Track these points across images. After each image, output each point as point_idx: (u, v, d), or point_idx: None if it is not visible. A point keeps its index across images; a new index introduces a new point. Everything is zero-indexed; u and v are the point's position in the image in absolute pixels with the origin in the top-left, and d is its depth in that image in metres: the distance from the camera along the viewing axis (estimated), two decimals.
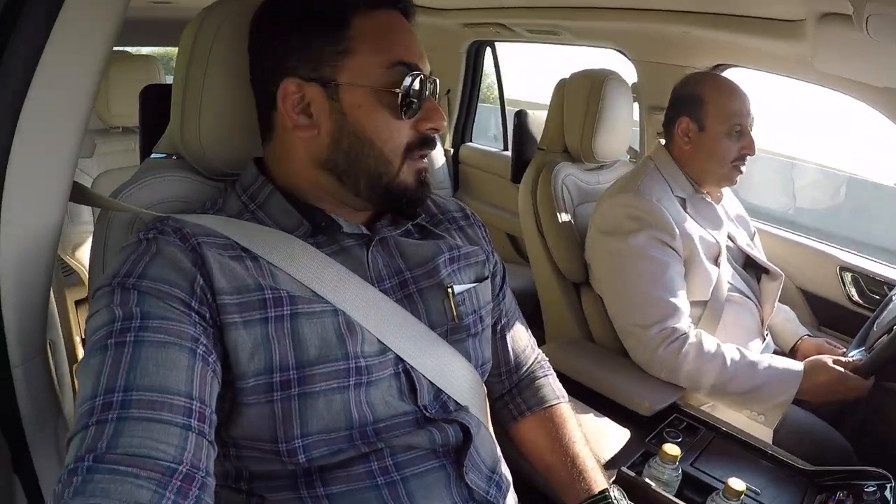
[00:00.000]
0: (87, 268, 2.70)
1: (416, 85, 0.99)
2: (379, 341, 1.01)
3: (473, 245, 1.23)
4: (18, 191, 0.97)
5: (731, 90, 1.98)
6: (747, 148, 1.97)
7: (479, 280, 1.19)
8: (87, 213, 2.95)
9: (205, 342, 0.86)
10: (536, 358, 1.40)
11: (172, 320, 0.85)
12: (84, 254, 2.83)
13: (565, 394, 1.35)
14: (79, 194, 1.08)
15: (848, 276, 2.44)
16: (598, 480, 1.17)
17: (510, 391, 1.35)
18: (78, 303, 2.89)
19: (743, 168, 2.00)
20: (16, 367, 1.06)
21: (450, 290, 1.11)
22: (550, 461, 1.24)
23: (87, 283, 2.74)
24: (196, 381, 0.82)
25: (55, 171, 1.00)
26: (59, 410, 1.17)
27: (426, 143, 1.04)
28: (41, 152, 0.98)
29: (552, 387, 1.36)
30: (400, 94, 0.98)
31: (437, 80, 1.07)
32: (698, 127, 1.98)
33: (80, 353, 2.69)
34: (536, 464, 1.27)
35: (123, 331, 0.82)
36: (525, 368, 1.36)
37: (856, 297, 2.41)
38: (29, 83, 0.92)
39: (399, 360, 1.03)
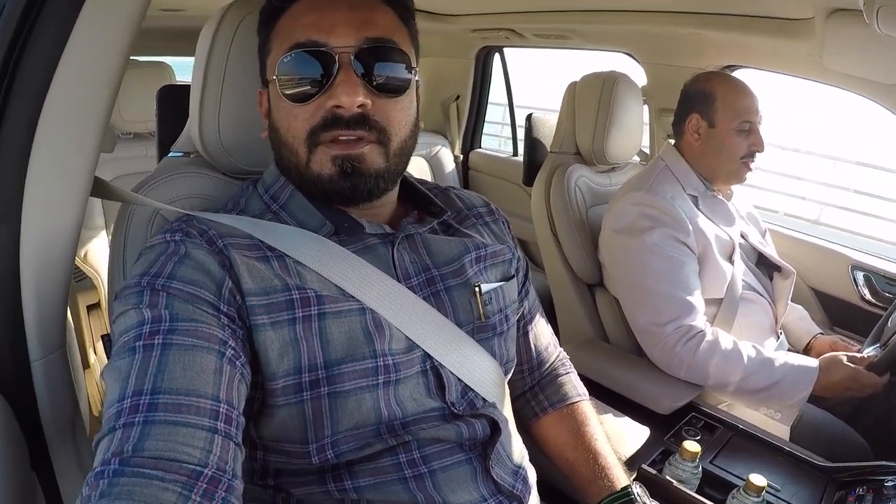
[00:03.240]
0: (99, 272, 2.73)
1: (297, 61, 0.96)
2: (407, 338, 1.00)
3: (499, 240, 1.23)
4: (39, 187, 0.97)
5: (741, 88, 1.99)
6: (756, 145, 1.97)
7: (506, 279, 1.19)
8: (98, 217, 2.95)
9: (233, 345, 0.86)
10: (558, 356, 1.40)
11: (201, 323, 0.85)
12: (95, 258, 2.84)
13: (586, 392, 1.35)
14: (99, 189, 1.08)
15: (860, 275, 2.43)
16: (621, 477, 1.17)
17: (532, 388, 1.34)
18: (90, 308, 2.90)
19: (752, 165, 2.00)
20: (35, 361, 1.06)
21: (477, 288, 1.11)
22: (572, 458, 1.23)
23: (98, 287, 2.75)
24: (223, 383, 0.82)
25: (76, 168, 1.00)
26: (76, 408, 1.16)
27: (333, 123, 0.95)
28: (62, 151, 0.97)
29: (574, 384, 1.36)
30: (285, 79, 0.96)
31: (346, 51, 0.96)
32: (708, 124, 1.99)
33: (92, 357, 2.70)
34: (558, 460, 1.26)
35: (152, 333, 0.82)
36: (547, 366, 1.36)
37: (868, 297, 2.41)
38: (49, 82, 0.92)
39: (427, 357, 1.02)
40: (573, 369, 1.40)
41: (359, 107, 0.95)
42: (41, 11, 0.90)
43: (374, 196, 1.02)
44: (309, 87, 0.96)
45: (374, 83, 0.97)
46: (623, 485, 1.14)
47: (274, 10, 1.02)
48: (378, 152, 0.98)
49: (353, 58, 0.95)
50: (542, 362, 1.36)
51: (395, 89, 1.00)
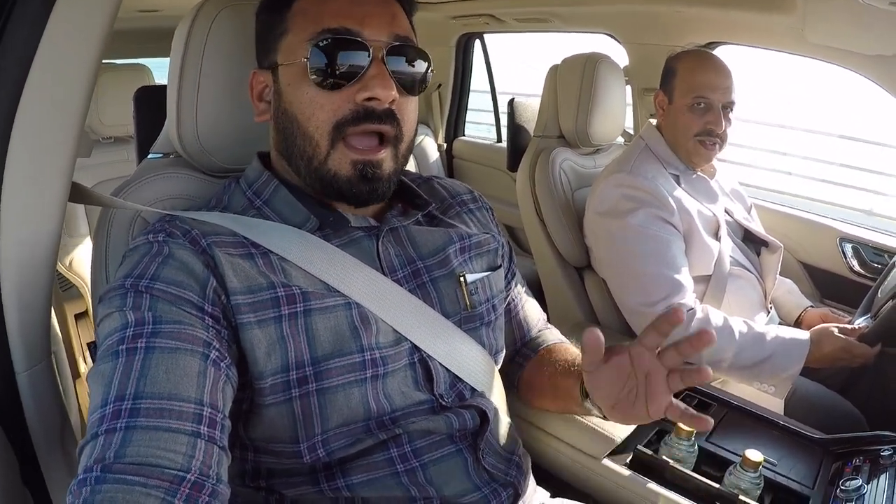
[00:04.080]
0: (85, 280, 2.71)
1: (331, 49, 0.94)
2: (394, 331, 1.00)
3: (484, 228, 1.23)
4: (17, 194, 0.96)
5: (704, 63, 1.97)
6: (712, 123, 1.93)
7: (492, 269, 1.19)
8: (83, 226, 2.94)
9: (217, 346, 0.86)
10: (543, 324, 1.41)
11: (185, 325, 0.84)
12: (82, 266, 2.82)
13: (565, 340, 1.36)
14: (79, 194, 1.07)
15: (848, 247, 2.44)
16: None
17: (518, 350, 1.35)
18: (78, 316, 2.88)
19: (709, 144, 1.96)
20: (20, 373, 1.05)
21: (462, 278, 1.11)
22: (554, 378, 1.21)
23: (86, 296, 2.73)
24: (207, 386, 0.82)
25: (53, 173, 0.99)
26: (65, 419, 1.16)
27: (364, 116, 0.96)
28: (38, 156, 0.97)
29: (554, 334, 1.38)
30: (316, 63, 0.95)
31: (398, 44, 0.98)
32: (668, 99, 2.00)
33: (82, 366, 2.68)
34: (544, 394, 1.27)
35: (135, 337, 0.82)
36: (534, 332, 1.37)
37: (857, 268, 2.42)
38: (22, 86, 0.91)
39: (414, 349, 1.02)
40: (554, 329, 1.41)
41: (390, 102, 0.96)
42: (10, 16, 0.88)
43: (386, 197, 1.05)
44: (340, 76, 0.95)
45: (400, 80, 0.98)
46: None
47: None
48: (391, 156, 1.01)
49: (384, 52, 0.96)
50: (530, 336, 1.37)
51: (414, 88, 1.02)
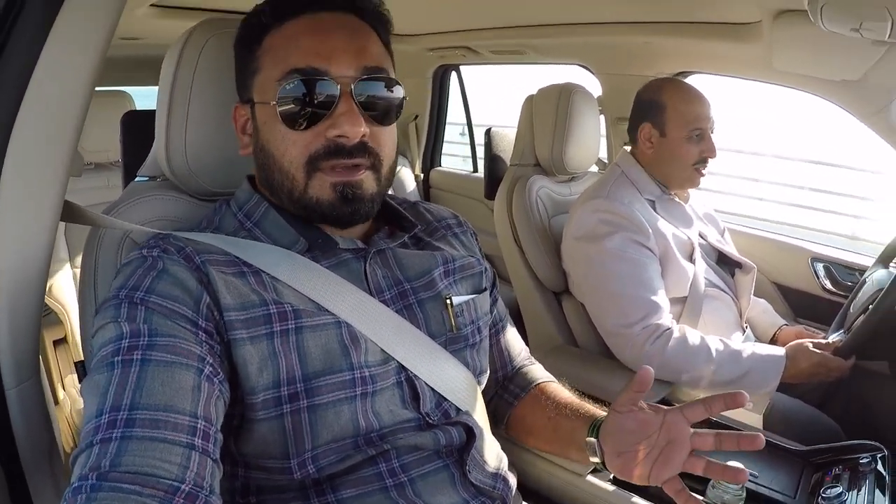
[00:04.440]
0: (64, 306, 2.69)
1: (300, 89, 0.95)
2: (382, 351, 1.01)
3: (468, 251, 1.25)
4: (10, 212, 0.96)
5: (691, 95, 2.03)
6: (707, 151, 2.01)
7: (477, 292, 1.20)
8: (63, 250, 2.89)
9: (211, 361, 0.86)
10: (526, 356, 1.41)
11: (179, 339, 0.85)
12: (61, 292, 2.79)
13: (554, 379, 1.36)
14: (70, 213, 1.08)
15: (820, 267, 2.49)
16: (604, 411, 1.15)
17: (502, 384, 1.35)
18: (56, 343, 2.85)
19: (704, 171, 2.04)
20: (10, 389, 1.03)
21: (448, 301, 1.12)
22: (554, 419, 1.21)
23: (65, 321, 2.70)
24: (201, 400, 0.82)
25: (46, 192, 0.99)
26: (53, 437, 1.15)
27: (335, 152, 0.97)
28: (32, 177, 0.97)
29: (541, 370, 1.37)
30: (285, 104, 0.96)
31: (350, 83, 0.97)
32: (660, 133, 2.03)
33: (61, 393, 2.65)
34: (540, 435, 1.26)
35: (131, 349, 0.82)
36: (516, 362, 1.37)
37: (829, 286, 2.47)
38: (20, 104, 0.92)
39: (401, 368, 1.03)
40: (538, 364, 1.41)
41: (360, 136, 0.96)
42: (10, 35, 0.89)
43: (369, 218, 1.06)
44: (310, 114, 0.96)
45: (372, 113, 0.99)
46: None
47: (262, 27, 1.02)
48: (372, 178, 1.01)
49: (353, 87, 0.97)
50: (513, 363, 1.37)
51: (389, 117, 1.02)
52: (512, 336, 1.38)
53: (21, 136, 0.93)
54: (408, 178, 3.74)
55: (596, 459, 1.07)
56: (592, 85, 2.66)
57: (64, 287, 2.77)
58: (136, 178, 1.25)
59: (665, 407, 1.00)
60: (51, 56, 0.91)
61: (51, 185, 1.00)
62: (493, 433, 1.20)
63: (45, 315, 2.73)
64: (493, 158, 3.04)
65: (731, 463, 1.21)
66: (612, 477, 1.32)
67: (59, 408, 2.62)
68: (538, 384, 1.32)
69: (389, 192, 1.14)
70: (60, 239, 2.88)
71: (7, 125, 0.92)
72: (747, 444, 0.92)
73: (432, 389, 1.06)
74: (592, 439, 1.07)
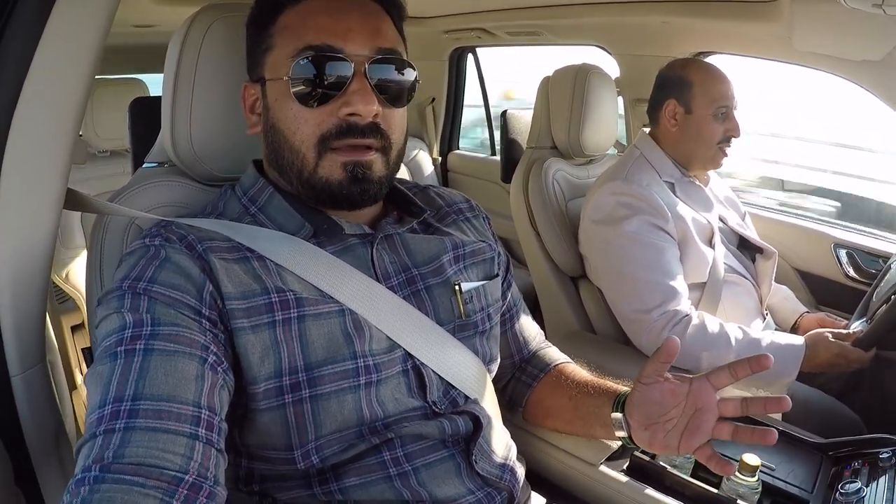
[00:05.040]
0: (82, 292, 2.71)
1: (313, 66, 0.95)
2: (388, 338, 1.00)
3: (481, 236, 1.23)
4: (11, 199, 0.97)
5: (718, 73, 2.00)
6: (732, 130, 1.98)
7: (488, 278, 1.19)
8: (79, 237, 2.93)
9: (214, 350, 0.86)
10: (542, 339, 1.41)
11: (183, 328, 0.85)
12: (78, 278, 2.82)
13: (570, 360, 1.36)
14: (74, 201, 1.08)
15: (843, 253, 2.44)
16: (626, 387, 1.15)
17: (519, 367, 1.35)
18: (74, 328, 2.87)
19: (728, 150, 2.01)
20: (15, 376, 1.05)
21: (457, 287, 1.11)
22: (576, 398, 1.22)
23: (82, 307, 2.73)
24: (205, 389, 0.82)
25: (48, 179, 1.00)
26: (60, 423, 1.16)
27: (347, 130, 0.96)
28: (33, 163, 0.98)
29: (558, 352, 1.37)
30: (298, 81, 0.95)
31: (365, 61, 0.96)
32: (685, 110, 2.00)
33: (79, 377, 2.67)
34: (561, 415, 1.26)
35: (134, 338, 0.82)
36: (532, 345, 1.37)
37: (852, 273, 2.42)
38: (19, 92, 0.92)
39: (408, 356, 1.02)
40: (554, 347, 1.41)
41: (373, 116, 0.96)
42: (8, 23, 0.89)
43: (377, 200, 1.04)
44: (322, 92, 0.95)
45: (384, 93, 0.98)
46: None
47: (277, 5, 1.01)
48: (382, 161, 1.00)
49: (367, 66, 0.96)
50: (529, 347, 1.36)
51: (401, 99, 1.02)
52: (526, 320, 1.37)
53: (21, 126, 0.94)
54: (425, 161, 3.73)
55: (622, 434, 1.09)
56: (610, 66, 2.62)
57: (81, 273, 2.81)
58: (144, 165, 1.25)
59: (690, 376, 1.00)
60: (49, 44, 0.92)
61: (52, 174, 1.01)
62: (506, 420, 1.20)
63: (63, 301, 2.77)
64: (509, 141, 3.02)
65: (748, 454, 1.20)
66: (624, 467, 1.30)
67: (76, 393, 2.64)
68: (557, 365, 1.32)
69: (403, 177, 1.12)
70: (76, 226, 2.91)
71: (6, 114, 0.92)
72: (774, 405, 0.94)
73: (440, 377, 1.05)
74: (618, 414, 1.09)
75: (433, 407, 1.03)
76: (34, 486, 1.08)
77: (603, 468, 1.30)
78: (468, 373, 1.09)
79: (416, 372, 1.03)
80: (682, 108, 2.01)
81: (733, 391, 1.78)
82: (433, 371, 1.04)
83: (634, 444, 1.08)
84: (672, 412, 1.00)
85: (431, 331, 1.06)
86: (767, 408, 0.95)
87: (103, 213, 1.11)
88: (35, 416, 1.08)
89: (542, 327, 1.43)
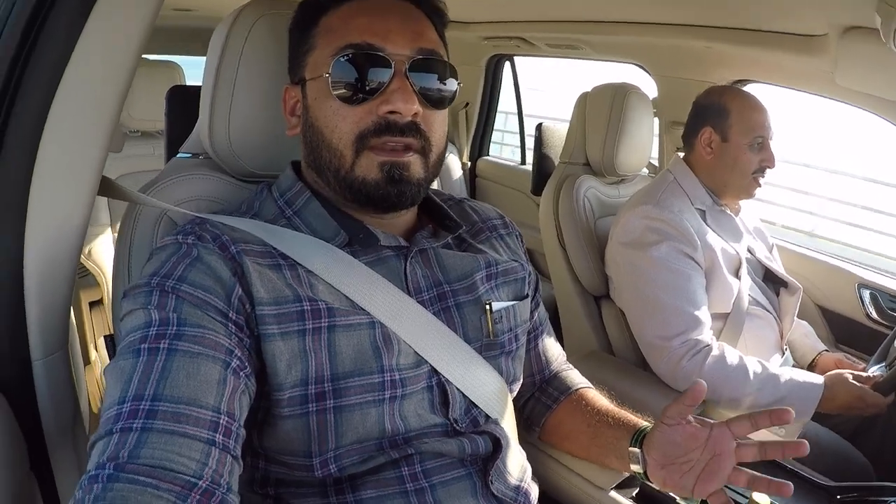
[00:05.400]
0: (103, 269, 2.73)
1: (353, 64, 0.95)
2: (415, 353, 1.00)
3: (513, 254, 1.23)
4: (46, 185, 0.96)
5: (756, 103, 1.99)
6: (767, 161, 1.97)
7: (518, 298, 1.18)
8: (104, 215, 2.95)
9: (239, 355, 0.85)
10: (563, 360, 1.40)
11: (208, 330, 0.84)
12: (100, 255, 2.83)
13: (591, 385, 1.36)
14: (107, 188, 1.08)
15: (867, 294, 2.41)
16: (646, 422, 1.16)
17: (539, 387, 1.34)
18: (92, 304, 2.89)
19: (762, 181, 2.00)
20: (36, 361, 1.05)
21: (488, 306, 1.10)
22: (595, 426, 1.22)
23: (102, 284, 2.75)
24: (226, 395, 0.81)
25: (84, 167, 0.99)
26: (77, 409, 1.16)
27: (386, 128, 0.96)
28: (70, 149, 0.97)
29: (579, 376, 1.37)
30: (338, 78, 0.96)
31: (412, 57, 0.97)
32: (721, 138, 1.98)
33: (93, 354, 2.69)
34: (578, 440, 1.26)
35: (158, 336, 0.82)
36: (554, 366, 1.36)
37: (874, 315, 2.39)
38: (59, 79, 0.91)
39: (433, 372, 1.02)
40: (575, 370, 1.40)
41: (412, 115, 0.96)
42: (52, 8, 0.89)
43: (414, 203, 1.05)
44: (362, 90, 0.95)
45: (424, 94, 0.98)
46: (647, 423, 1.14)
47: (319, 7, 1.02)
48: (420, 163, 1.00)
49: (407, 66, 0.96)
50: (550, 370, 1.36)
51: (442, 102, 1.02)
52: (550, 341, 1.37)
53: (60, 112, 0.93)
54: (455, 165, 3.72)
55: (637, 468, 1.09)
56: (647, 85, 2.61)
57: (103, 250, 2.82)
58: (179, 154, 1.25)
59: (711, 420, 1.00)
60: (94, 29, 0.91)
61: (89, 163, 1.00)
62: (521, 439, 1.19)
63: (83, 276, 2.78)
64: (542, 154, 3.01)
65: (757, 493, 1.19)
66: (633, 495, 1.29)
67: (89, 368, 2.66)
68: (578, 389, 1.32)
69: (435, 187, 1.12)
70: (101, 203, 2.93)
71: (46, 99, 0.92)
72: (792, 451, 0.94)
73: (463, 395, 1.05)
74: (636, 449, 1.09)
75: (454, 425, 1.02)
76: (48, 471, 1.08)
77: (613, 494, 1.30)
78: (491, 393, 1.08)
79: (440, 389, 1.02)
80: (718, 136, 1.99)
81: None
82: (457, 389, 1.03)
83: (648, 480, 1.08)
84: (690, 454, 1.00)
85: (459, 348, 1.05)
86: (786, 453, 0.95)
87: (137, 202, 1.11)
88: (53, 402, 1.07)
89: (561, 343, 1.42)
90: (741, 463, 0.99)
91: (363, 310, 0.97)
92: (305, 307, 0.93)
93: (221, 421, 0.79)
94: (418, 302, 1.04)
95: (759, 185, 2.01)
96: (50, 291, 1.03)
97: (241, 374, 0.85)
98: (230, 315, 0.87)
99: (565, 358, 1.41)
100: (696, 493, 0.98)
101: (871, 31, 1.48)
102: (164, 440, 0.74)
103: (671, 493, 1.28)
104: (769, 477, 0.95)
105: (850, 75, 1.97)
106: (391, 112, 0.95)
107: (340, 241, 1.02)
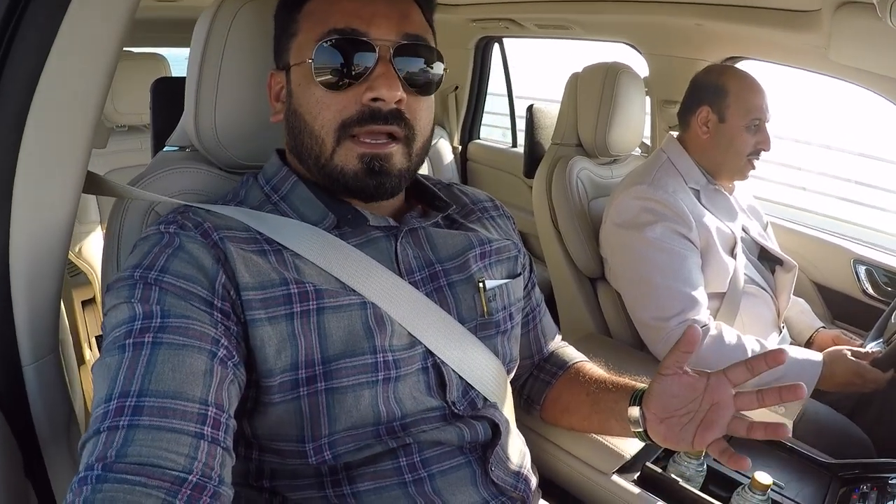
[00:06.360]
0: (94, 267, 2.71)
1: (337, 48, 0.94)
2: (409, 334, 0.99)
3: (505, 235, 1.22)
4: (30, 183, 0.94)
5: (754, 85, 1.97)
6: (763, 143, 1.96)
7: (512, 276, 1.17)
8: (93, 212, 2.94)
9: (225, 343, 0.84)
10: (559, 339, 1.41)
11: (193, 320, 0.83)
12: (90, 253, 2.82)
13: (587, 359, 1.36)
14: (93, 185, 1.06)
15: (862, 270, 2.42)
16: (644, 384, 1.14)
17: (537, 365, 1.34)
18: (85, 303, 2.88)
19: (756, 163, 2.00)
20: (27, 366, 1.03)
21: (481, 284, 1.09)
22: (594, 394, 1.21)
23: (93, 283, 2.74)
24: (213, 385, 0.80)
25: (67, 163, 0.98)
26: (71, 412, 1.15)
27: (372, 117, 0.94)
28: (52, 145, 0.95)
29: (575, 351, 1.37)
30: (322, 64, 0.95)
31: (390, 43, 0.95)
32: (718, 118, 1.97)
33: (88, 354, 2.68)
34: (578, 410, 1.25)
35: (142, 331, 0.81)
36: (551, 346, 1.37)
37: (870, 291, 2.40)
38: (39, 73, 0.89)
39: (428, 354, 1.01)
40: (571, 346, 1.41)
41: (396, 102, 0.94)
42: (30, 1, 0.87)
43: (395, 194, 1.03)
44: (346, 76, 0.94)
45: (409, 80, 0.97)
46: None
47: None
48: (403, 153, 0.98)
49: (392, 52, 0.95)
50: (547, 349, 1.35)
51: (427, 87, 1.00)
52: (547, 323, 1.37)
53: (41, 106, 0.91)
54: (445, 149, 3.70)
55: (638, 429, 1.07)
56: (639, 64, 2.59)
57: (93, 248, 2.82)
58: (165, 148, 1.24)
59: (708, 371, 1.00)
60: (73, 22, 0.89)
61: (72, 159, 0.98)
62: (520, 424, 1.19)
63: (75, 275, 2.77)
64: (533, 136, 2.99)
65: (760, 472, 1.19)
66: (635, 478, 1.29)
67: (84, 368, 2.65)
68: (575, 363, 1.32)
69: (425, 172, 1.11)
70: (91, 202, 2.91)
71: (27, 95, 0.90)
72: (789, 394, 0.93)
73: (459, 377, 1.04)
74: (635, 408, 1.07)
75: (452, 407, 1.02)
76: (43, 477, 1.07)
77: (615, 478, 1.30)
78: (488, 373, 1.07)
79: (436, 370, 1.01)
80: (715, 116, 1.98)
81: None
82: (453, 370, 1.02)
83: (650, 438, 1.06)
84: (689, 405, 0.99)
85: (453, 329, 1.04)
86: (783, 396, 0.93)
87: (124, 196, 1.10)
88: (46, 407, 1.06)
89: (557, 326, 1.42)
90: (744, 444, 0.98)
91: (354, 291, 0.96)
92: (292, 290, 0.92)
93: (210, 413, 0.78)
94: (410, 283, 1.03)
95: (754, 167, 2.00)
96: (38, 294, 1.02)
97: (229, 363, 0.84)
98: (215, 303, 0.87)
99: (561, 338, 1.41)
100: (696, 444, 0.97)
101: (866, 5, 1.46)
102: (151, 436, 0.74)
103: (670, 467, 1.28)
104: (764, 422, 0.95)
105: (844, 51, 1.95)
106: (375, 100, 0.94)
107: (328, 223, 1.01)
